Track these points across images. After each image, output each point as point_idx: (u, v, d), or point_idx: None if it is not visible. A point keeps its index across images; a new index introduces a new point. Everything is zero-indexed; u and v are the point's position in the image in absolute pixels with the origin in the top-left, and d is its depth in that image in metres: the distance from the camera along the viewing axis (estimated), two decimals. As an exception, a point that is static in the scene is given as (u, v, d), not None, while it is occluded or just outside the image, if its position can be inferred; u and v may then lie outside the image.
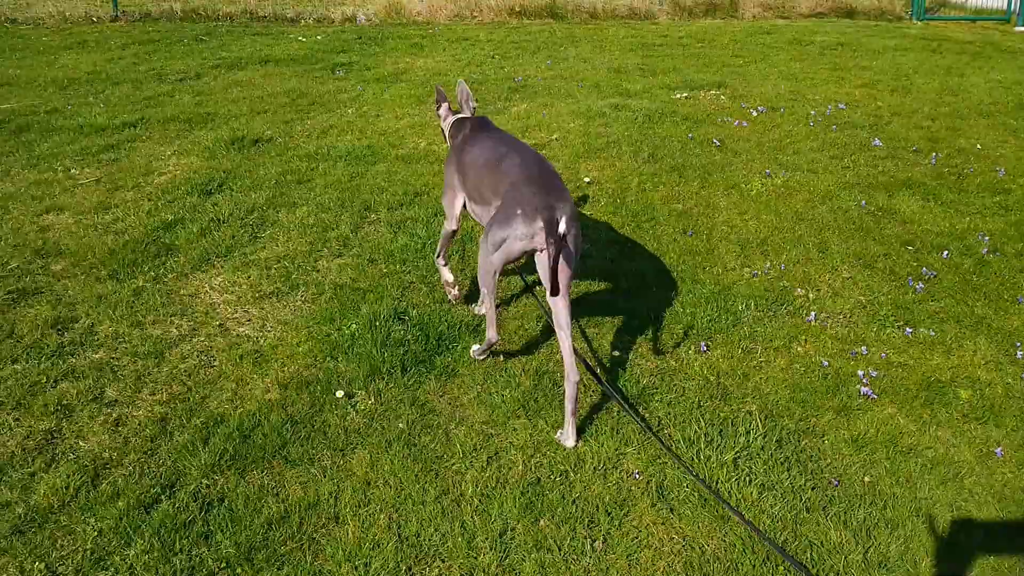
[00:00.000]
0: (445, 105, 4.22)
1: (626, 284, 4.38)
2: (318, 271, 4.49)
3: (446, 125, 4.15)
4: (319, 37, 11.44)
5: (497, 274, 3.31)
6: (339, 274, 4.44)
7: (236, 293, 4.24)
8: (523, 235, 3.12)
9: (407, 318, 3.96)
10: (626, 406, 3.27)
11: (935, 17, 14.00)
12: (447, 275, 4.05)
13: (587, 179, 5.83)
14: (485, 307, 3.47)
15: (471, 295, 4.20)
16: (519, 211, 3.12)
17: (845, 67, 9.85)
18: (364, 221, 5.12)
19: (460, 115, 4.09)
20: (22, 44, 10.79)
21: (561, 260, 3.01)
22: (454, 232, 3.96)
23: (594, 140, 6.66)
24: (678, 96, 8.19)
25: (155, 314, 4.01)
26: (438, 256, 4.05)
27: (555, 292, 3.02)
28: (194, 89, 8.35)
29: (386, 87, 8.44)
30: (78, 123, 7.03)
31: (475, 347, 3.70)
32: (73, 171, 5.95)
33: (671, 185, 5.77)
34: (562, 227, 3.01)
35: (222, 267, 4.50)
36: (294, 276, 4.41)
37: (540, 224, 3.04)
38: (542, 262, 3.15)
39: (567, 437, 3.15)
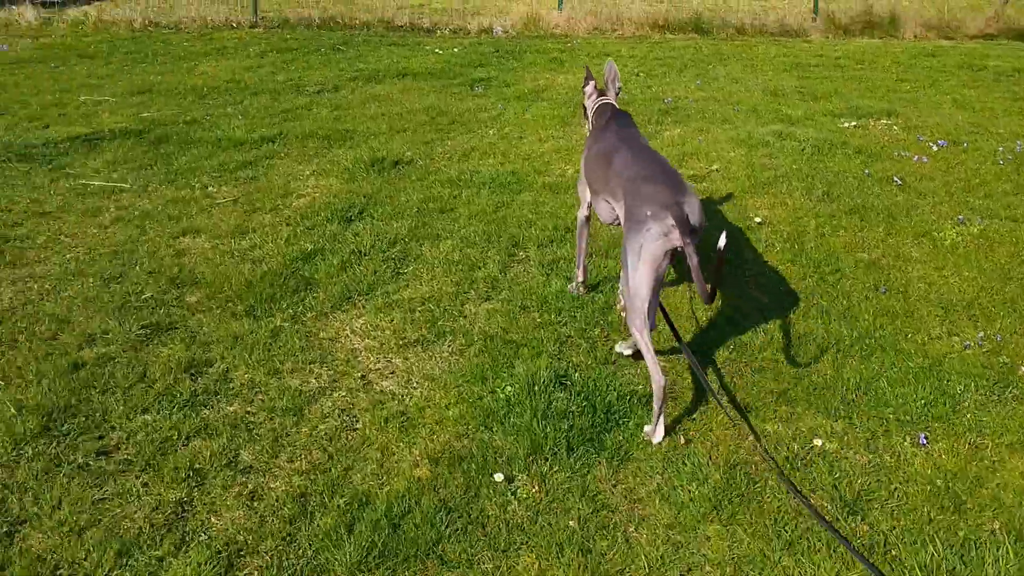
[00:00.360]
0: (592, 83, 4.24)
1: (815, 349, 3.81)
2: (465, 317, 4.08)
3: (590, 104, 4.17)
4: (456, 50, 11.16)
5: (648, 299, 3.10)
6: (488, 322, 4.02)
7: (379, 339, 3.86)
8: (658, 234, 3.01)
9: (569, 383, 3.50)
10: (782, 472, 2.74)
11: (1120, 40, 12.78)
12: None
13: (758, 219, 5.26)
14: (642, 346, 3.15)
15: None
16: (647, 212, 3.03)
17: (990, 90, 8.95)
18: (512, 259, 4.69)
19: (605, 99, 4.09)
20: (163, 49, 10.87)
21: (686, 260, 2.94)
22: (587, 218, 4.07)
23: (759, 173, 6.07)
24: (846, 125, 7.49)
25: (293, 360, 3.67)
26: (578, 269, 4.18)
27: (711, 299, 2.95)
28: (332, 102, 8.13)
29: (527, 106, 8.03)
30: (216, 136, 6.86)
31: (647, 428, 3.21)
32: (211, 188, 5.74)
33: (853, 230, 5.14)
34: (695, 220, 2.97)
35: (364, 307, 4.14)
36: (440, 322, 4.01)
37: (671, 221, 2.95)
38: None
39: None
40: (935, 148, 6.85)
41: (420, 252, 4.74)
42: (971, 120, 7.80)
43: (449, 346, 3.82)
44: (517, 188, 5.77)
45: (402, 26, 12.80)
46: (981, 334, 3.98)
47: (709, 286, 2.91)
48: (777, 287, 4.41)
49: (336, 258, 4.60)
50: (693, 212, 2.97)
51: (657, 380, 3.09)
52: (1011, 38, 12.68)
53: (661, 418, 3.14)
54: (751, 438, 3.18)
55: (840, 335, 3.92)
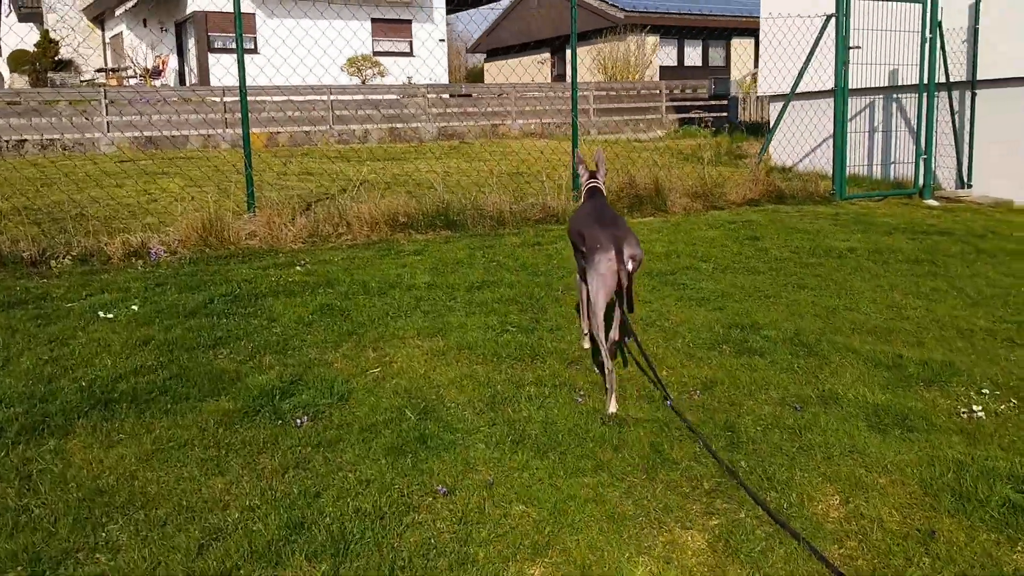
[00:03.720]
0: (583, 166, 5.54)
1: None
2: None
3: (583, 182, 5.43)
4: (134, 307, 6.33)
5: (603, 308, 4.41)
6: None
7: None
8: (605, 259, 4.32)
9: None
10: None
11: (852, 196, 12.03)
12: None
13: None
14: (601, 344, 4.48)
15: None
16: (598, 245, 4.39)
17: (947, 290, 7.01)
18: None
19: (594, 182, 5.34)
20: None
21: (625, 278, 4.31)
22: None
23: None
24: (974, 414, 4.63)
25: None
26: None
27: (632, 308, 4.49)
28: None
29: (452, 478, 3.93)
30: None
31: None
32: None
33: None
34: (629, 252, 4.32)
35: None
36: None
37: (614, 251, 4.31)
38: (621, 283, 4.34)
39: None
40: None
41: None
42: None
43: None
44: None
45: (-20, 258, 7.46)
46: None
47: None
48: None
49: None
50: (630, 245, 4.33)
51: (608, 367, 4.46)
52: (771, 201, 11.24)
53: (613, 395, 4.48)
54: None
55: None
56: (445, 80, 34.70)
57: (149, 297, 6.60)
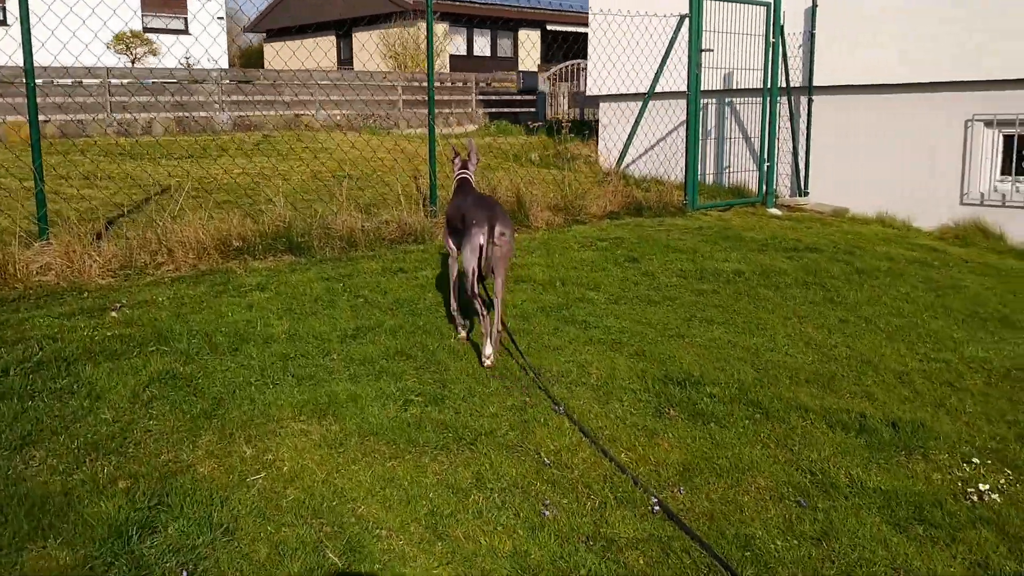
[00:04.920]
0: (457, 158, 6.05)
1: None
2: None
3: (455, 173, 5.99)
4: None
5: (475, 274, 5.06)
6: None
7: None
8: (479, 234, 5.01)
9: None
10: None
11: (703, 205, 11.64)
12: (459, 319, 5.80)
13: None
14: (476, 303, 5.11)
15: None
16: (474, 221, 5.07)
17: (855, 321, 6.63)
18: None
19: (464, 172, 5.94)
20: None
21: (498, 251, 5.06)
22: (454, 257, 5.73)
23: None
24: (982, 494, 4.05)
25: None
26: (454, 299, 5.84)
27: (489, 272, 5.16)
28: None
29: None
30: None
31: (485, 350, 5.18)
32: None
33: None
34: (499, 228, 5.05)
35: None
36: None
37: (486, 227, 5.01)
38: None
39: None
40: None
41: None
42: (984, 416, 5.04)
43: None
44: None
45: None
46: None
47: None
48: None
49: None
50: (500, 223, 5.08)
51: (483, 315, 5.09)
52: (630, 214, 10.59)
53: (489, 342, 5.14)
54: None
55: None
56: (225, 62, 32.14)
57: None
